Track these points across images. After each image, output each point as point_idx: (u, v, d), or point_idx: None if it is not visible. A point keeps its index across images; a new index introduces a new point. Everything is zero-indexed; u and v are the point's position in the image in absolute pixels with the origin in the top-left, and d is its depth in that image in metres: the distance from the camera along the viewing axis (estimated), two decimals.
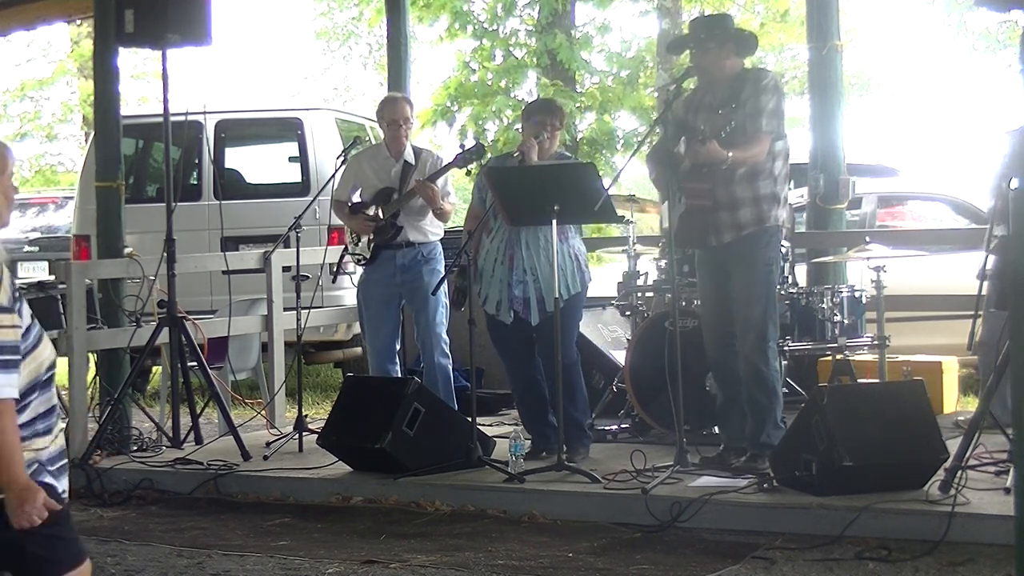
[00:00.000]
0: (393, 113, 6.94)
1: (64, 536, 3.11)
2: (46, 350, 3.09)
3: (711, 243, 5.83)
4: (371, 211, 6.91)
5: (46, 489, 3.02)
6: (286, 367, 7.91)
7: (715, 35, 5.81)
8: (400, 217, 6.85)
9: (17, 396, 2.94)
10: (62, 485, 3.14)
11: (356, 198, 7.07)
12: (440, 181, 6.78)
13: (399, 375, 6.99)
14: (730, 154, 5.60)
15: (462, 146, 6.84)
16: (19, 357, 2.95)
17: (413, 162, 6.92)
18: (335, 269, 7.36)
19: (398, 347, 7.08)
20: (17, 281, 3.13)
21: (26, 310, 3.05)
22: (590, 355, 7.27)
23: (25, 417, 3.03)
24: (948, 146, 24.66)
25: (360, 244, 6.96)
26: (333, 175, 7.05)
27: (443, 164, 6.84)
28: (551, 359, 5.93)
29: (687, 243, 6.16)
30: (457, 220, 7.85)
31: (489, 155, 9.25)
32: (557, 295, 5.85)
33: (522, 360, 6.28)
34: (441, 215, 6.87)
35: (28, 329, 3.03)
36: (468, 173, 6.90)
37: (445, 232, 7.15)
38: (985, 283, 5.97)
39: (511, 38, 17.20)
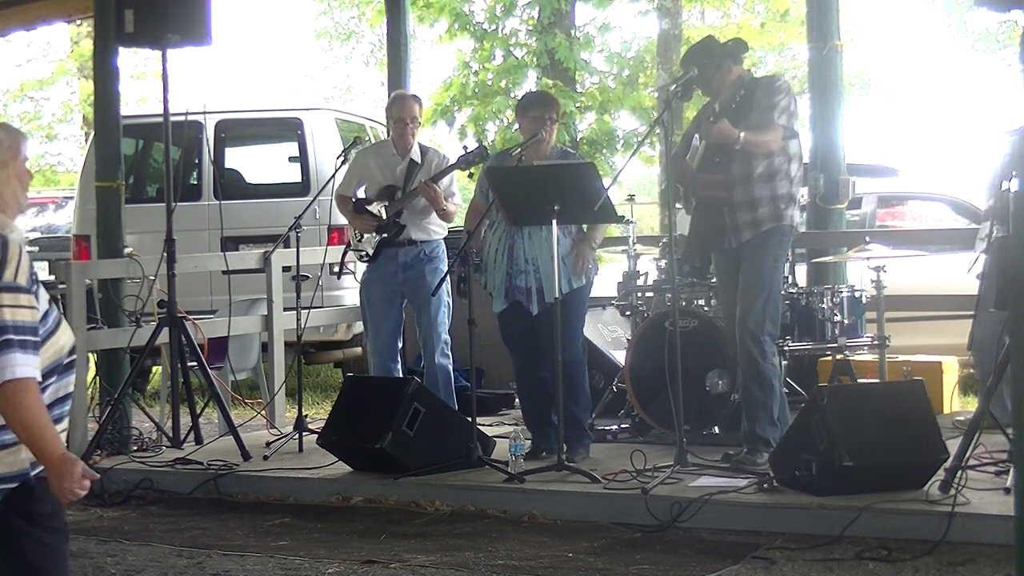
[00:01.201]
0: (401, 111, 6.93)
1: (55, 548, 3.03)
2: (65, 334, 3.07)
3: (730, 244, 5.83)
4: (374, 208, 6.91)
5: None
6: (286, 367, 7.90)
7: (708, 63, 5.82)
8: (403, 216, 6.84)
9: (39, 376, 2.89)
10: None
11: (360, 193, 7.06)
12: (444, 182, 6.77)
13: (401, 374, 6.99)
14: (742, 134, 5.62)
15: (465, 148, 6.82)
16: (38, 339, 2.93)
17: (419, 161, 6.91)
18: (339, 266, 7.35)
19: (400, 345, 7.07)
20: None
21: (43, 294, 3.03)
22: (590, 355, 7.24)
23: (44, 400, 2.98)
24: (948, 146, 24.68)
25: (364, 240, 6.95)
26: (333, 175, 7.05)
27: (447, 165, 6.83)
28: (552, 354, 5.91)
29: (704, 249, 6.15)
30: (461, 220, 7.85)
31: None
32: (558, 294, 5.84)
33: (530, 357, 6.25)
34: (444, 216, 6.85)
35: (46, 313, 3.02)
36: (471, 176, 6.88)
37: (448, 231, 7.15)
38: (981, 284, 5.97)
39: (511, 38, 17.19)
